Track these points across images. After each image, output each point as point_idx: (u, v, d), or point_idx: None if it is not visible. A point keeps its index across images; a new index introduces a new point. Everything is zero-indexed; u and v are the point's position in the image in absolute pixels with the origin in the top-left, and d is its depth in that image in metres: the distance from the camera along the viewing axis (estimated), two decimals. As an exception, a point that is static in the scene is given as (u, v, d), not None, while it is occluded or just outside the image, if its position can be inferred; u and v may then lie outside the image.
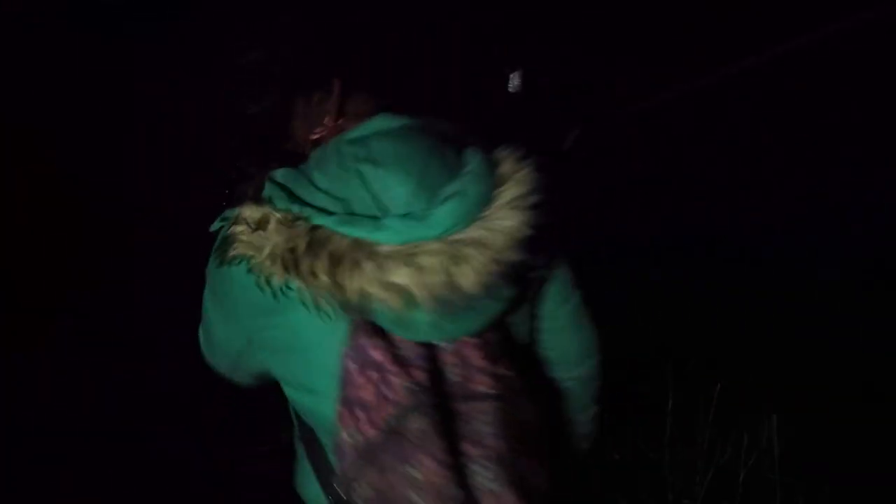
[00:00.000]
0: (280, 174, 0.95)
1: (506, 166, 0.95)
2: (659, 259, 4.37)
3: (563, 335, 1.26)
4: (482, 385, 0.99)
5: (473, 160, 0.93)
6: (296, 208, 0.90)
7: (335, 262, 0.88)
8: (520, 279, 0.96)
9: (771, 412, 2.53)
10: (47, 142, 3.33)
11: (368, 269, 0.87)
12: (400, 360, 0.94)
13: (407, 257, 0.88)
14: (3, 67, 3.08)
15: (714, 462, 2.58)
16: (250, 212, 0.91)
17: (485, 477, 0.93)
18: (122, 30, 3.38)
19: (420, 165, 0.92)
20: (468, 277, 0.88)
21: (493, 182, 0.93)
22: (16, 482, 2.65)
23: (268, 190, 0.93)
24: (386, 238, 0.88)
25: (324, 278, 0.88)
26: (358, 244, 0.88)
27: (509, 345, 1.05)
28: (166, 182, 3.68)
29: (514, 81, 3.92)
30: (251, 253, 0.91)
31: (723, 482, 2.56)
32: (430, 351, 0.97)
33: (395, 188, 0.90)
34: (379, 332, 0.94)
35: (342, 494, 0.97)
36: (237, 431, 2.94)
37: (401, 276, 0.88)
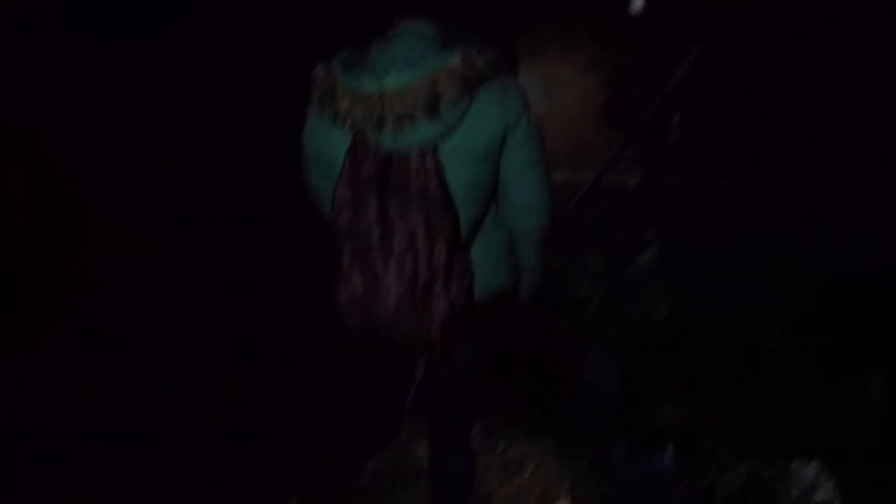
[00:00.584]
0: (345, 51, 1.62)
1: (477, 62, 1.56)
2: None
3: (514, 182, 1.72)
4: (411, 187, 1.58)
5: (441, 52, 1.55)
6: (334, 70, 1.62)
7: (340, 97, 1.58)
8: (448, 108, 1.54)
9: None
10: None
11: (355, 102, 1.57)
12: (367, 155, 1.61)
13: (378, 96, 1.53)
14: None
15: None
16: (319, 70, 1.64)
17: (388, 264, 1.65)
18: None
19: (398, 53, 1.54)
20: (405, 107, 1.53)
21: (443, 64, 1.54)
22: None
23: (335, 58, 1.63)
24: (364, 87, 1.55)
25: (339, 109, 1.59)
26: (352, 90, 1.57)
27: (449, 172, 1.61)
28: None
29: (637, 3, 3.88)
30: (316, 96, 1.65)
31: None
32: (389, 155, 1.60)
33: (380, 64, 1.54)
34: (364, 142, 1.61)
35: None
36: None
37: (372, 106, 1.54)
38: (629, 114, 5.09)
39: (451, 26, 1.60)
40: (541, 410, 3.17)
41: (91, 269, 3.43)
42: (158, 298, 3.44)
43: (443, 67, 1.54)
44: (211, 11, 3.29)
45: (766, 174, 4.22)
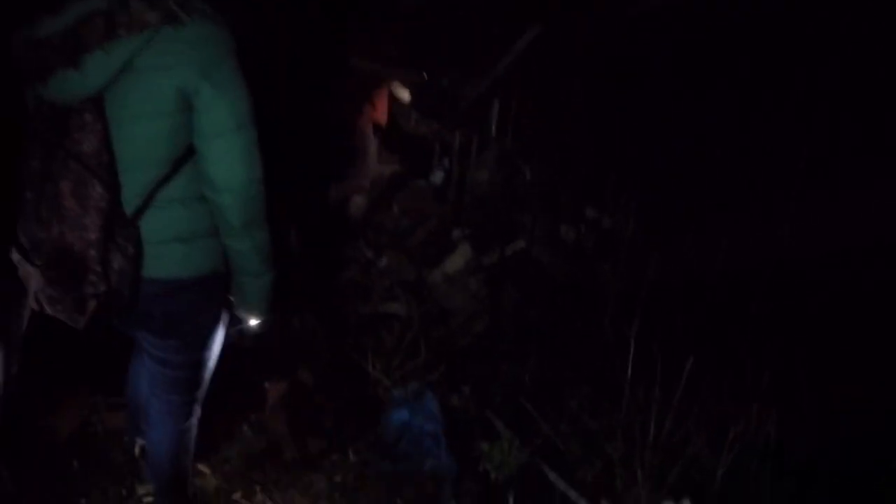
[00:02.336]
0: None
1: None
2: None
3: (201, 147, 1.52)
4: (67, 146, 1.45)
5: None
6: None
7: (16, 47, 1.48)
8: (94, 58, 1.40)
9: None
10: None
11: (21, 52, 1.46)
12: (35, 111, 1.50)
13: (34, 45, 1.43)
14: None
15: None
16: None
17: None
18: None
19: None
20: (46, 58, 1.42)
21: (87, 9, 1.41)
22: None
23: None
24: (26, 37, 1.45)
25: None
26: (24, 39, 1.46)
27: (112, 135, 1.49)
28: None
29: None
30: None
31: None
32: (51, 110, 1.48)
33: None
34: (32, 96, 1.51)
35: None
36: None
37: (29, 57, 1.45)
38: (440, 104, 4.50)
39: None
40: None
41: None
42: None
43: (86, 13, 1.40)
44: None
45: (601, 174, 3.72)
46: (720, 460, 2.44)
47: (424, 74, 4.46)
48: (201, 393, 2.01)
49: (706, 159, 3.19)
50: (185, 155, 1.55)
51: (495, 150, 4.00)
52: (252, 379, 3.09)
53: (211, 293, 1.76)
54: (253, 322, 1.85)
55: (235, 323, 1.89)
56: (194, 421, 2.06)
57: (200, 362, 1.90)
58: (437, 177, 4.33)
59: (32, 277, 1.55)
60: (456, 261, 3.51)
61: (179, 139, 1.52)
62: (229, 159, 1.53)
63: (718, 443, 2.55)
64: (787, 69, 3.03)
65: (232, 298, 1.82)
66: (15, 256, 1.57)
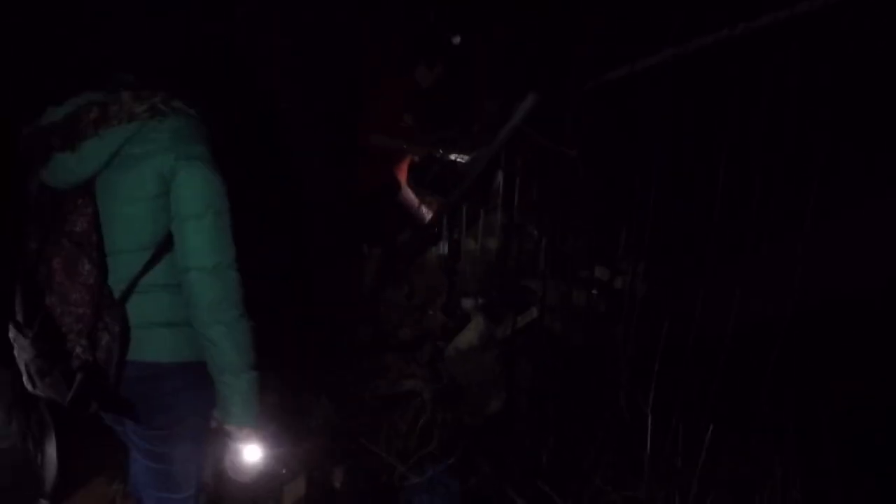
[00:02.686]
0: None
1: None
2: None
3: (175, 229, 1.62)
4: (64, 227, 1.60)
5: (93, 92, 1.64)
6: None
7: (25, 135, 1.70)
8: (88, 144, 1.58)
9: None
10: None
11: (27, 138, 1.67)
12: (38, 193, 1.68)
13: (39, 131, 1.63)
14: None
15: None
16: None
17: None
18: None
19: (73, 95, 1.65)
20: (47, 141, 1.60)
21: (86, 101, 1.64)
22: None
23: None
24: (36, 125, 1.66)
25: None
26: (34, 127, 1.68)
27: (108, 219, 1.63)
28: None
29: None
30: None
31: None
32: (52, 193, 1.65)
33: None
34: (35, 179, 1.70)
35: None
36: None
37: (35, 141, 1.63)
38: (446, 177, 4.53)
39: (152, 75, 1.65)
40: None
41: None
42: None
43: (84, 103, 1.61)
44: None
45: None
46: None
47: (439, 150, 4.52)
48: (194, 492, 1.95)
49: (709, 212, 3.14)
50: (167, 242, 1.65)
51: (502, 217, 3.99)
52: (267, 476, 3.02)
53: (193, 381, 1.74)
54: (244, 440, 1.77)
55: (231, 455, 1.82)
56: None
57: (186, 456, 1.86)
58: (444, 247, 4.33)
59: (25, 351, 1.65)
60: (469, 336, 3.47)
61: (160, 223, 1.63)
62: (199, 240, 1.61)
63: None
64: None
65: (216, 414, 1.77)
66: (11, 333, 1.67)
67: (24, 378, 1.69)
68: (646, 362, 2.82)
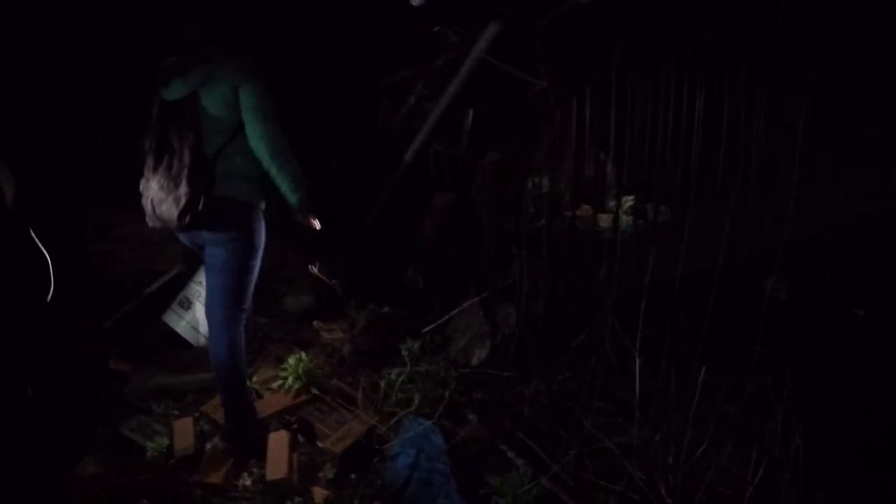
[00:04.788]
0: None
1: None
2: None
3: (246, 123, 2.75)
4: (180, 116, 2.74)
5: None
6: None
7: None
8: (193, 75, 2.74)
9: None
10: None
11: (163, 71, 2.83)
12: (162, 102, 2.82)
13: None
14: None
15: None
16: None
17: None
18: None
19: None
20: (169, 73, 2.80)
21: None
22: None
23: None
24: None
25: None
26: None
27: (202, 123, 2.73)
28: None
29: None
30: None
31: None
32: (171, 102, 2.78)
33: None
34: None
35: None
36: None
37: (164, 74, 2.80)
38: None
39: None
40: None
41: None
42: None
43: (190, 53, 2.78)
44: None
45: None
46: (748, 477, 2.25)
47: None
48: (245, 306, 2.90)
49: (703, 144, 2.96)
50: (239, 128, 2.75)
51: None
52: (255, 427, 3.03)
53: (252, 215, 2.82)
54: (309, 217, 2.91)
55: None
56: (241, 329, 2.89)
57: (245, 268, 2.83)
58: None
59: (150, 189, 2.73)
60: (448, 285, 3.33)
61: (232, 117, 2.74)
62: (258, 126, 2.73)
63: (744, 457, 2.36)
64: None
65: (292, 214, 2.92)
66: (142, 183, 2.79)
67: (148, 209, 2.74)
68: (632, 302, 2.69)
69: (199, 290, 3.65)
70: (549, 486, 2.60)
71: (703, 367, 2.42)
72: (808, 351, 2.53)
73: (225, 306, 2.83)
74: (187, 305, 3.68)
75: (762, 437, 2.33)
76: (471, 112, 3.49)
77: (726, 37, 2.69)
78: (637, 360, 2.46)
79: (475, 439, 2.90)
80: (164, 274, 3.88)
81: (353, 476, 2.79)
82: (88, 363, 3.28)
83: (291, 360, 3.25)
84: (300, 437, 3.05)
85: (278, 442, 2.94)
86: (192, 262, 3.76)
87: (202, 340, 3.60)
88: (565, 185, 3.65)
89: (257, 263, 2.86)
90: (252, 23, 3.07)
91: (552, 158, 3.35)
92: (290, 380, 3.20)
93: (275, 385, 3.26)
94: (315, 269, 3.29)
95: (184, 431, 3.07)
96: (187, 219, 2.63)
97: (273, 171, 2.76)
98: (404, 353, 3.16)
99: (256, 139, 2.72)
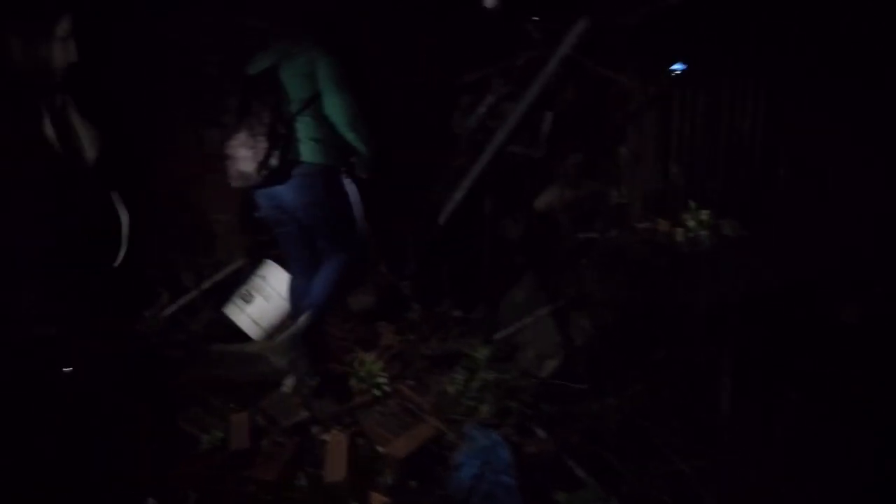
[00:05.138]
0: None
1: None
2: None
3: (323, 93, 2.98)
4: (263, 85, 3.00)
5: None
6: None
7: None
8: (275, 51, 3.04)
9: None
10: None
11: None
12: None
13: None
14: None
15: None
16: None
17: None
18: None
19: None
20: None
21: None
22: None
23: None
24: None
25: None
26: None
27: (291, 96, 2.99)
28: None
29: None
30: None
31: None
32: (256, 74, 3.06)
33: None
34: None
35: None
36: None
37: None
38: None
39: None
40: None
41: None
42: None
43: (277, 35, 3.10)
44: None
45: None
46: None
47: None
48: (350, 247, 3.14)
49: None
50: (316, 96, 2.98)
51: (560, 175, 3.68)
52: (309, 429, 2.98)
53: (332, 176, 3.07)
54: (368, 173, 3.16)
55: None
56: (347, 264, 3.14)
57: (335, 216, 3.09)
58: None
59: (234, 147, 2.93)
60: (519, 293, 3.23)
61: (307, 87, 2.97)
62: (335, 98, 2.96)
63: (835, 487, 2.21)
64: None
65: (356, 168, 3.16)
66: (227, 145, 2.97)
67: (231, 170, 2.95)
68: (721, 317, 2.56)
69: (261, 283, 3.61)
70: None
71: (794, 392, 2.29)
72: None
73: (332, 248, 3.10)
74: (249, 299, 3.64)
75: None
76: (550, 115, 3.39)
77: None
78: (729, 380, 2.33)
79: (542, 453, 2.79)
80: (227, 266, 3.86)
81: (413, 483, 2.70)
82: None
83: (354, 362, 3.17)
84: (360, 440, 2.97)
85: (337, 444, 2.86)
86: (255, 256, 3.74)
87: (262, 334, 3.57)
88: (640, 196, 3.55)
89: (349, 216, 3.10)
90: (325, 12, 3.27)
91: (632, 168, 3.24)
92: (353, 381, 3.12)
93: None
94: (383, 269, 3.23)
95: (240, 426, 3.01)
96: (264, 172, 2.90)
97: (350, 136, 3.01)
98: (478, 359, 3.06)
99: (333, 107, 2.97)
